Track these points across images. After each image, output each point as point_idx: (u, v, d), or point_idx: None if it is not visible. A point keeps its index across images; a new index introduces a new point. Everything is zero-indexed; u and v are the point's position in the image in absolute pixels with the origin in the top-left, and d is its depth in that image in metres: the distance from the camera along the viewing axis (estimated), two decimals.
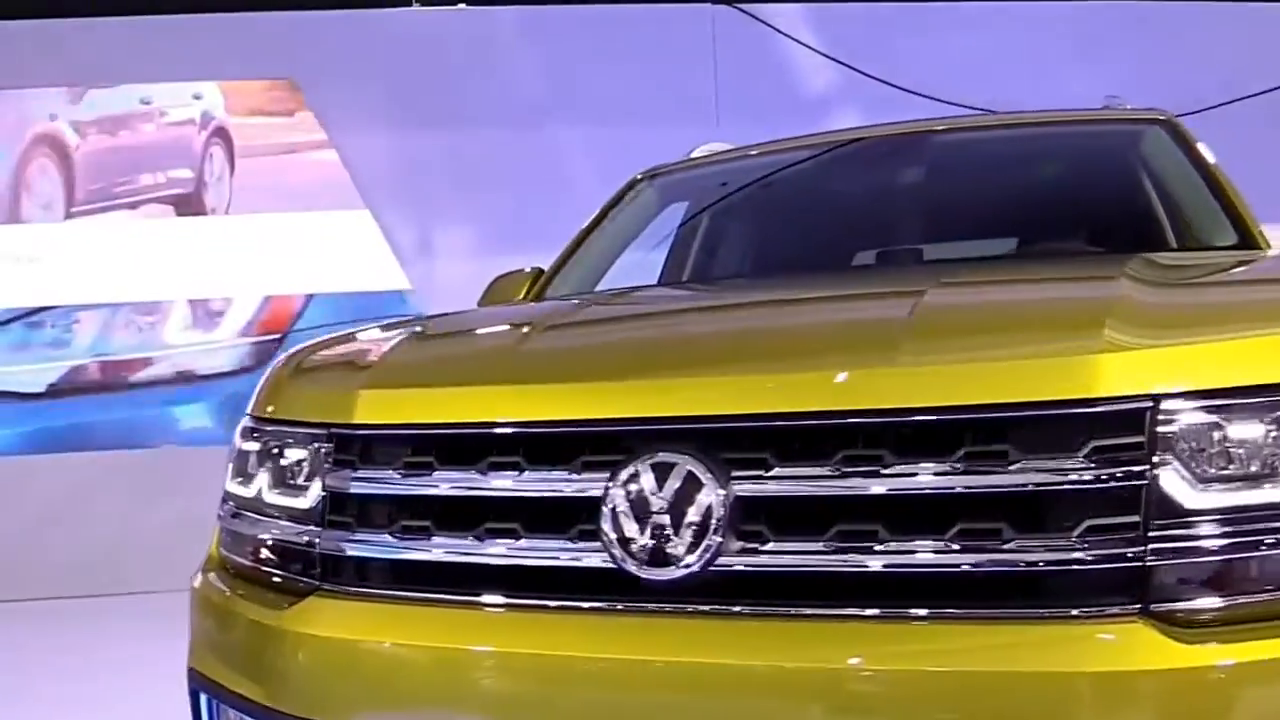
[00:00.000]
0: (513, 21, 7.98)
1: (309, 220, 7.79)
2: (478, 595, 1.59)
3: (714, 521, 1.44)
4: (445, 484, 1.64)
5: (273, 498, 1.89)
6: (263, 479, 1.92)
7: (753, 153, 3.44)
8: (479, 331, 2.21)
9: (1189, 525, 1.32)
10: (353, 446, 1.75)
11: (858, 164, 3.27)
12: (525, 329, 1.96)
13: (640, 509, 1.48)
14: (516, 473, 1.59)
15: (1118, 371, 1.36)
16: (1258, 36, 7.88)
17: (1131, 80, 7.22)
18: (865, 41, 7.93)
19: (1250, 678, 1.26)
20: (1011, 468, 1.36)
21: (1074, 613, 1.32)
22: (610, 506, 1.49)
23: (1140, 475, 1.34)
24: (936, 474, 1.38)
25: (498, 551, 1.59)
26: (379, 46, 7.84)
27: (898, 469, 1.40)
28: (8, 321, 7.69)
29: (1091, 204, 2.98)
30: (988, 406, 1.38)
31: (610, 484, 1.50)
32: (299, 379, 1.99)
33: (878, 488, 1.40)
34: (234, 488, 2.01)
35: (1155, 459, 1.34)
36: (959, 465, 1.38)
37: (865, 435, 1.42)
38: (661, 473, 1.47)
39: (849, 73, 7.96)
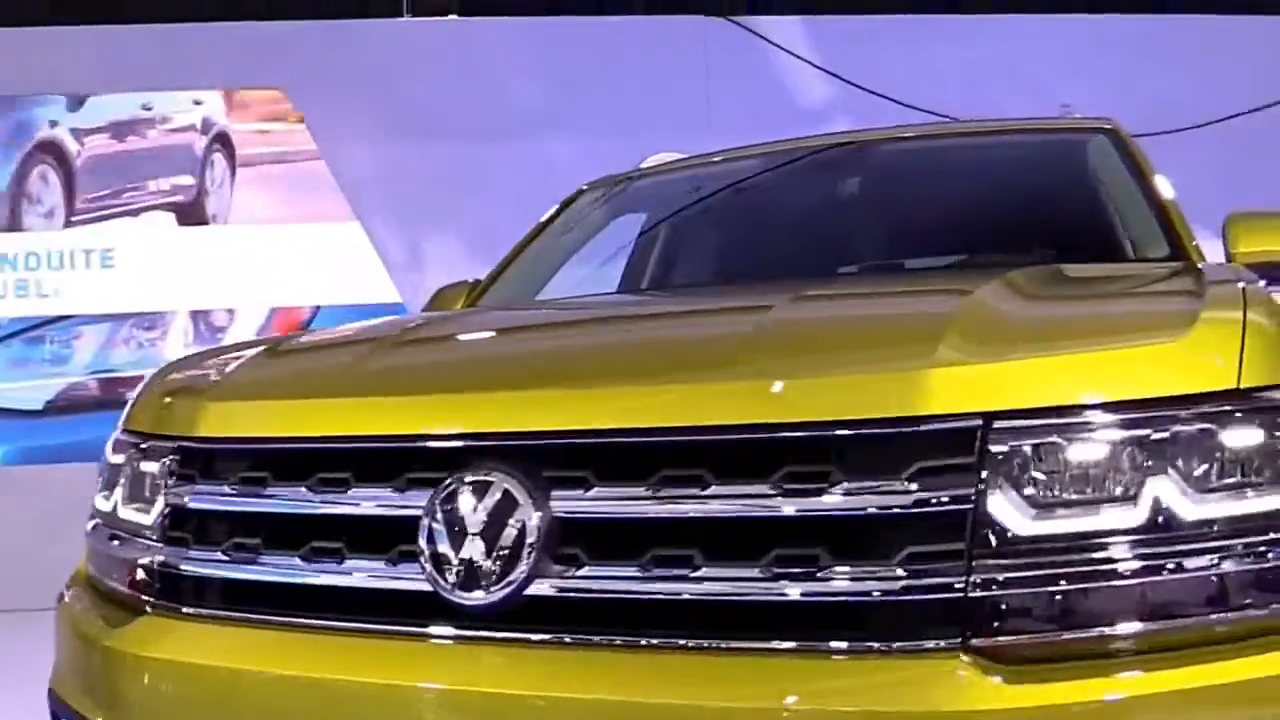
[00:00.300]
0: (505, 32, 7.96)
1: (306, 231, 7.77)
2: (303, 618, 1.53)
3: (528, 544, 1.38)
4: (276, 500, 1.59)
5: (126, 512, 1.84)
6: (120, 493, 1.87)
7: (699, 163, 3.37)
8: (337, 345, 2.15)
9: (1017, 554, 1.24)
10: (195, 461, 1.70)
11: (795, 175, 3.19)
12: (380, 343, 1.91)
13: (457, 529, 1.41)
14: (343, 489, 1.53)
15: (945, 388, 1.28)
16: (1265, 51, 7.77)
17: (1126, 93, 7.14)
18: (859, 54, 7.86)
19: None
20: (833, 490, 1.29)
21: (894, 646, 1.24)
22: (428, 526, 1.43)
23: (966, 499, 1.25)
24: (754, 496, 1.31)
25: (323, 572, 1.53)
26: (370, 56, 7.83)
27: (715, 490, 1.33)
28: (7, 337, 7.68)
29: (1025, 214, 2.88)
30: (808, 425, 1.30)
31: (430, 503, 1.44)
32: (161, 392, 1.94)
33: (694, 510, 1.33)
34: (99, 502, 1.97)
35: (983, 482, 1.25)
36: (778, 487, 1.30)
37: (683, 454, 1.35)
38: (479, 491, 1.41)
39: (843, 86, 7.89)
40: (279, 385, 1.82)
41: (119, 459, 1.92)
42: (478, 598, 1.39)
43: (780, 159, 3.24)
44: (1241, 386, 1.28)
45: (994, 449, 1.26)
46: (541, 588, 1.38)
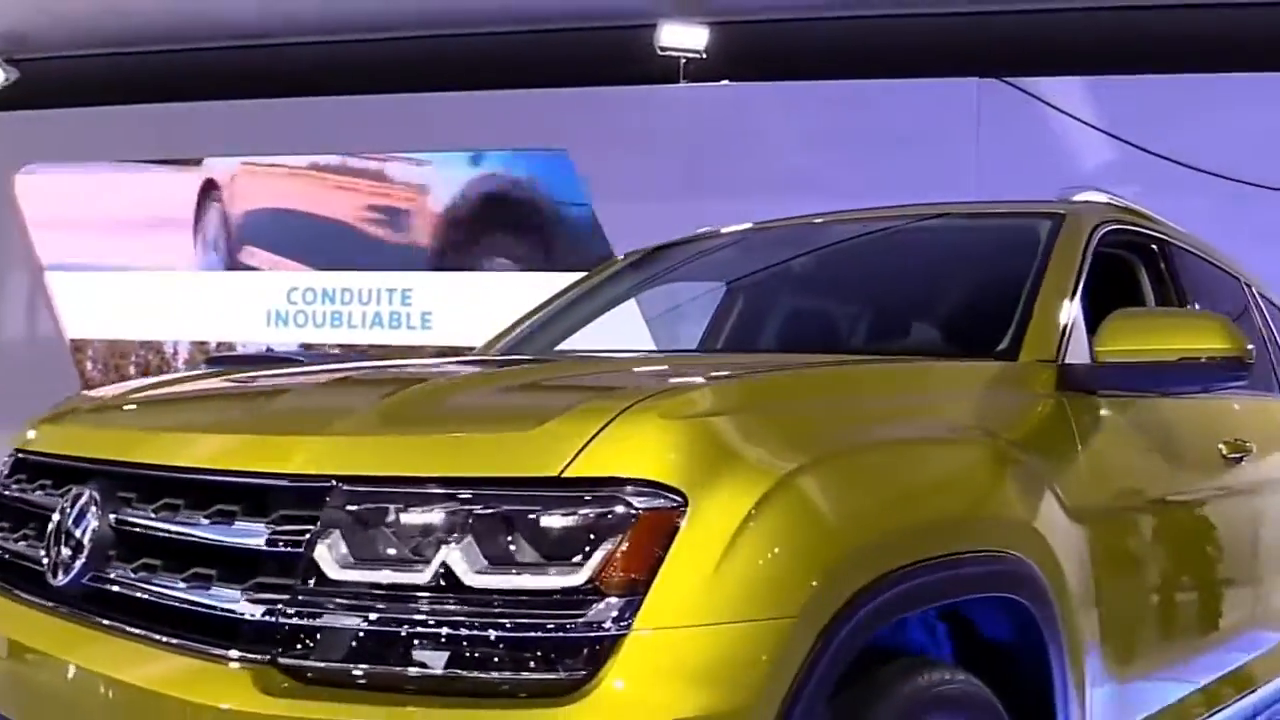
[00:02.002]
0: (774, 97, 8.13)
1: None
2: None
3: (88, 544, 1.70)
4: (18, 493, 2.00)
5: None
6: None
7: (724, 238, 3.48)
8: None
9: (328, 594, 1.42)
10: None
11: (768, 252, 3.37)
12: (132, 392, 2.24)
13: (61, 526, 1.76)
14: (34, 488, 1.95)
15: (305, 453, 1.52)
16: None
17: None
18: (1143, 115, 7.50)
19: None
20: (234, 523, 1.55)
21: (232, 654, 1.45)
22: (53, 521, 1.79)
23: (300, 544, 1.46)
24: (183, 523, 1.61)
25: (5, 545, 1.97)
26: (646, 120, 8.19)
27: (180, 516, 1.62)
28: None
29: (908, 301, 2.96)
30: (223, 471, 1.60)
31: (59, 503, 1.80)
32: None
33: (165, 529, 1.64)
34: None
35: (317, 532, 1.44)
36: (206, 519, 1.58)
37: (165, 486, 1.66)
38: (77, 499, 1.77)
39: (1125, 148, 7.54)
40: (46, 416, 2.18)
41: None
42: (58, 579, 1.73)
43: (774, 236, 3.37)
44: (563, 475, 1.38)
45: (331, 505, 1.45)
46: (98, 579, 1.70)
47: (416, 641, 1.37)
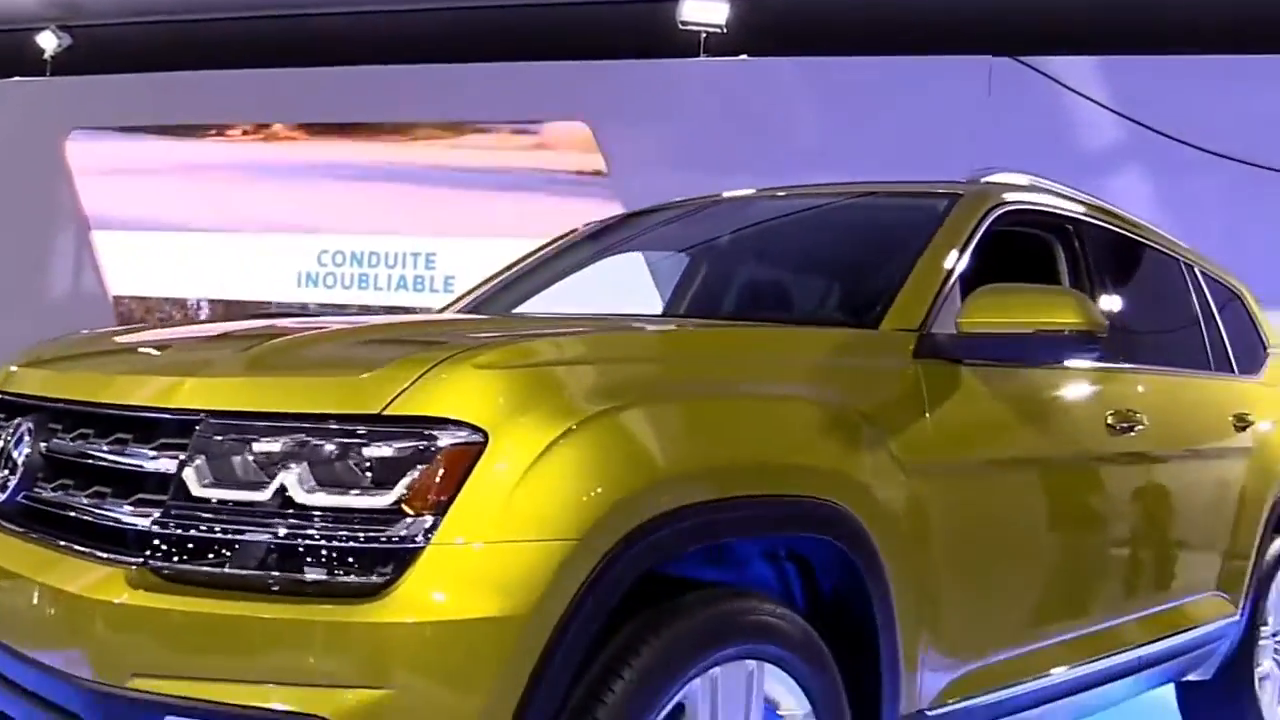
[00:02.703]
0: (792, 72, 8.26)
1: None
2: None
3: (20, 467, 1.99)
4: None
5: None
6: None
7: (670, 212, 3.71)
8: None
9: (193, 511, 1.67)
10: None
11: (697, 226, 3.61)
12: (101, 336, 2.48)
13: (4, 452, 2.05)
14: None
15: (182, 391, 1.79)
16: None
17: None
18: (1155, 96, 7.52)
19: (194, 624, 1.60)
20: (126, 449, 1.81)
21: (132, 561, 1.69)
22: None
23: (173, 467, 1.72)
24: (91, 449, 1.87)
25: None
26: (666, 93, 8.36)
27: (102, 443, 1.86)
28: None
29: (807, 274, 3.20)
30: (123, 406, 1.86)
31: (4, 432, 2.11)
32: None
33: (63, 454, 1.93)
34: None
35: (187, 457, 1.70)
36: (100, 445, 1.85)
37: (86, 419, 1.92)
38: (18, 430, 2.05)
39: (1136, 129, 7.58)
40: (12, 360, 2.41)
41: None
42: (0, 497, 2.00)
43: (700, 211, 3.60)
44: (383, 414, 1.63)
45: (199, 434, 1.71)
46: (30, 498, 1.97)
47: (256, 548, 1.62)
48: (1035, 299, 2.46)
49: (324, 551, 1.60)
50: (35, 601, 1.79)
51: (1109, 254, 3.35)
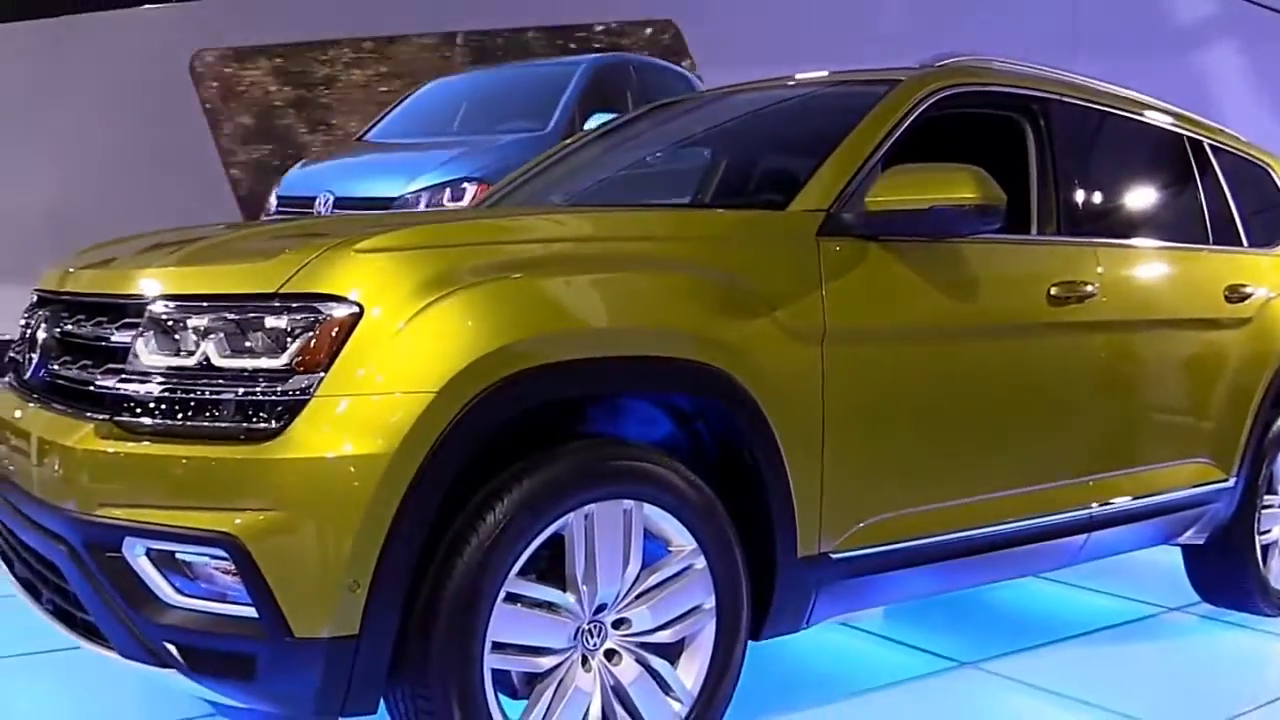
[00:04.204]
0: None
1: None
2: None
3: (39, 348, 2.40)
4: (27, 317, 2.65)
5: None
6: None
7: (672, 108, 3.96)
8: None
9: (143, 375, 2.05)
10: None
11: (675, 122, 3.81)
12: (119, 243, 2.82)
13: (30, 336, 2.51)
14: (31, 312, 2.62)
15: (140, 281, 2.17)
16: None
17: None
18: None
19: (141, 464, 1.99)
20: (101, 328, 2.20)
21: (96, 416, 2.08)
22: (25, 334, 2.57)
23: (128, 339, 2.10)
24: (79, 330, 2.27)
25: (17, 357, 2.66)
26: None
27: (89, 324, 2.25)
28: None
29: (755, 163, 3.37)
30: (101, 294, 2.27)
31: (28, 322, 2.58)
32: None
33: (65, 335, 2.33)
34: None
35: (139, 333, 2.08)
36: (85, 326, 2.25)
37: (83, 307, 2.32)
38: (38, 321, 2.47)
39: (1227, 2, 7.32)
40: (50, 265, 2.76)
41: None
42: (25, 374, 2.45)
43: (687, 108, 3.88)
44: (279, 291, 1.98)
45: (149, 314, 2.08)
46: (49, 373, 2.35)
47: (184, 403, 2.00)
48: (932, 176, 2.59)
49: (235, 404, 1.96)
50: (41, 453, 2.21)
51: (1080, 130, 3.40)
